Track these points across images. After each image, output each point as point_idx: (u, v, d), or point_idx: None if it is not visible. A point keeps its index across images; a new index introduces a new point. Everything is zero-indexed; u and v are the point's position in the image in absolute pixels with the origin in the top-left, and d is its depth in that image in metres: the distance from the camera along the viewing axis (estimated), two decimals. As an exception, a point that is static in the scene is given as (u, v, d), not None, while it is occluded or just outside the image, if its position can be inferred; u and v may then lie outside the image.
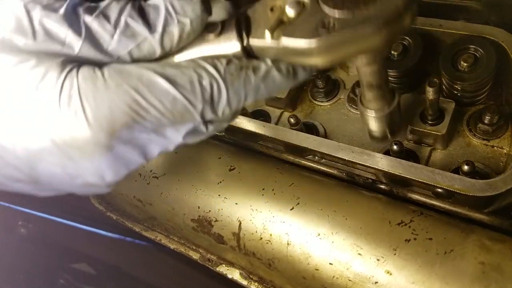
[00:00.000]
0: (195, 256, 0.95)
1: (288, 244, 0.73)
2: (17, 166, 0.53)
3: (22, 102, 0.49)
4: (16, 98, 0.49)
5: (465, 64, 0.76)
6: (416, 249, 0.63)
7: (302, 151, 0.89)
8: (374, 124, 0.71)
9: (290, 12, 0.49)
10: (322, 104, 0.97)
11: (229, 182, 0.82)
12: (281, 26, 0.50)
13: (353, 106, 0.93)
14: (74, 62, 0.50)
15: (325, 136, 0.93)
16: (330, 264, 0.68)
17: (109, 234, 1.46)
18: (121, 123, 0.49)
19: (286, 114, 0.99)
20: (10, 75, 0.49)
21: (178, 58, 0.54)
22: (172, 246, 0.99)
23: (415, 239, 0.64)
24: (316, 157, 0.91)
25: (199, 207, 0.84)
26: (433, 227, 0.66)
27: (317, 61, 0.49)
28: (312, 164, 0.86)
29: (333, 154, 0.80)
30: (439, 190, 0.74)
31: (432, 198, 0.75)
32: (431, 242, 0.63)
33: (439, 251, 0.62)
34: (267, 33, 0.50)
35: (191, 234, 0.89)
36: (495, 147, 0.79)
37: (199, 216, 0.84)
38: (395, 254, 0.64)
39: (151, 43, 0.51)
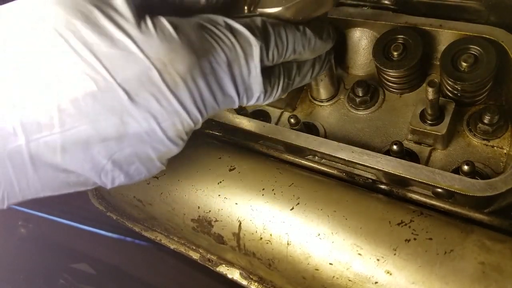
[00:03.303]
0: (195, 256, 0.95)
1: (288, 244, 0.73)
2: (112, 105, 0.55)
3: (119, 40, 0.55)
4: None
5: (465, 64, 0.76)
6: (416, 249, 0.63)
7: (302, 151, 0.89)
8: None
9: None
10: (322, 104, 0.97)
11: (229, 182, 0.82)
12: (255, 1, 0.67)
13: (353, 106, 0.93)
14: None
15: (325, 136, 0.93)
16: (330, 264, 0.68)
17: (109, 234, 1.46)
18: (205, 47, 0.58)
19: (286, 114, 1.00)
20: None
21: None
22: (172, 246, 0.99)
23: (415, 239, 0.64)
24: (316, 157, 0.91)
25: (199, 207, 0.84)
26: (433, 227, 0.66)
27: (288, 16, 0.67)
28: (312, 164, 0.86)
29: (333, 154, 0.80)
30: (439, 190, 0.74)
31: (432, 198, 0.75)
32: (431, 242, 0.63)
33: (439, 251, 0.62)
34: (245, 9, 0.68)
35: (191, 234, 0.89)
36: (495, 147, 0.79)
37: (199, 216, 0.84)
38: (395, 254, 0.64)
39: None
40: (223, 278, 0.89)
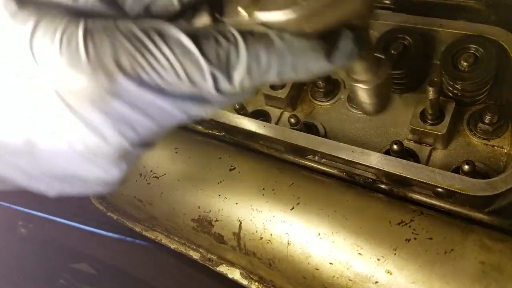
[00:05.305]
0: (195, 256, 0.95)
1: (288, 244, 0.73)
2: (15, 125, 0.45)
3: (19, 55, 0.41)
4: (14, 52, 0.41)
5: (465, 63, 0.76)
6: (416, 249, 0.63)
7: (302, 151, 0.89)
8: (365, 96, 0.65)
9: None
10: (322, 104, 0.97)
11: (230, 182, 0.82)
12: (255, 2, 0.45)
13: (353, 106, 0.93)
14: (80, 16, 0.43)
15: (325, 136, 0.93)
16: (330, 263, 0.68)
17: (109, 234, 1.46)
18: (125, 65, 0.43)
19: (286, 114, 0.99)
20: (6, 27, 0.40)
21: None
22: (172, 246, 0.99)
23: (415, 238, 0.64)
24: (317, 157, 0.91)
25: (199, 207, 0.84)
26: (433, 227, 0.66)
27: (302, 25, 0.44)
28: (313, 164, 0.86)
29: (333, 154, 0.80)
30: (439, 189, 0.74)
31: (432, 198, 0.75)
32: (431, 242, 0.63)
33: (439, 250, 0.62)
34: (241, 11, 0.45)
35: (191, 234, 0.89)
36: (495, 147, 0.79)
37: (200, 216, 0.84)
38: (395, 254, 0.64)
39: None
40: (223, 277, 0.89)
